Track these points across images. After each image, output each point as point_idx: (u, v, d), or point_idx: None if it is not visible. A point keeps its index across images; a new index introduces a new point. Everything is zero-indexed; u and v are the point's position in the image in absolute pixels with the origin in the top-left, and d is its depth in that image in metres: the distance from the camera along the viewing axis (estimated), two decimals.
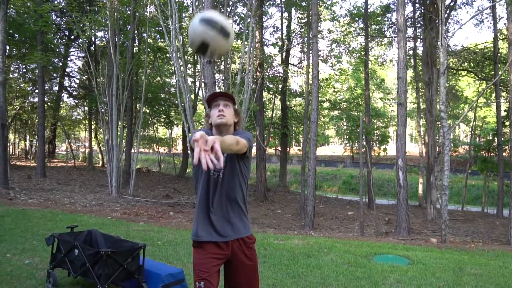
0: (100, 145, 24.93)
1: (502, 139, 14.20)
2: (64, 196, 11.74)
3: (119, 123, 13.58)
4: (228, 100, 2.31)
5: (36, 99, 21.29)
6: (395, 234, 9.28)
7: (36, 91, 18.97)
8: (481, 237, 9.61)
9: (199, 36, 1.85)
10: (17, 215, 7.82)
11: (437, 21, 11.76)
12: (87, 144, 28.29)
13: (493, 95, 16.40)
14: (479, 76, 17.67)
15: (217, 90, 13.97)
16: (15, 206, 9.08)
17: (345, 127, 27.82)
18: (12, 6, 15.23)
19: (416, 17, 16.10)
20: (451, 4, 14.73)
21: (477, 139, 24.86)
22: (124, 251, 3.59)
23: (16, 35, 17.36)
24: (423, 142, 15.87)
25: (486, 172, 16.10)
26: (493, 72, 15.30)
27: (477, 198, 23.32)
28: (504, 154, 14.29)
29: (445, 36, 9.23)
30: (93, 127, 24.80)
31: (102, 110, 13.90)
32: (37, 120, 18.91)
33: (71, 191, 12.93)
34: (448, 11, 14.26)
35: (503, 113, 14.89)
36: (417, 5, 15.93)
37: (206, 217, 2.21)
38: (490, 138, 17.24)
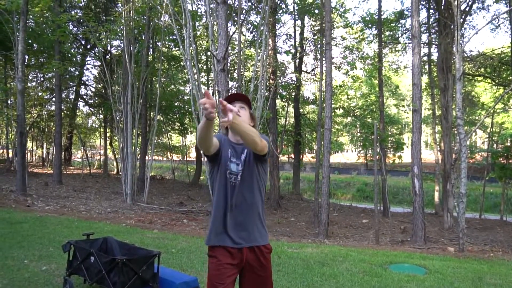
0: (115, 152, 25.22)
1: None
2: (80, 203, 11.88)
3: (134, 131, 13.73)
4: (244, 103, 2.29)
5: (53, 107, 21.70)
6: (411, 243, 9.12)
7: (53, 99, 19.33)
8: (501, 246, 9.37)
9: None
10: (34, 222, 7.94)
11: (452, 26, 11.63)
12: (102, 152, 28.65)
13: (511, 100, 16.12)
14: (496, 82, 17.38)
15: None
16: (32, 213, 9.23)
17: (358, 134, 27.61)
18: (31, 17, 15.63)
19: (430, 22, 15.95)
20: (467, 9, 14.57)
21: (495, 145, 24.38)
22: (139, 258, 3.61)
23: (34, 45, 17.78)
24: (439, 149, 15.63)
25: (505, 179, 15.75)
26: (510, 77, 15.04)
27: (495, 205, 22.79)
28: None
29: (461, 41, 9.12)
30: (108, 135, 25.14)
31: (117, 118, 14.09)
32: (54, 128, 19.24)
33: (87, 198, 13.09)
34: (463, 16, 14.10)
35: None
36: (431, 11, 15.79)
37: (221, 222, 2.15)
38: (509, 144, 16.91)
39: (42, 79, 22.51)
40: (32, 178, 16.39)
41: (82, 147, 25.94)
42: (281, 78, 17.93)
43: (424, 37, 16.05)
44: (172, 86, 21.99)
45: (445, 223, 12.03)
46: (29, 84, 22.14)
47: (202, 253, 5.95)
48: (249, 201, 2.18)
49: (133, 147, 13.54)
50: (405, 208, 17.83)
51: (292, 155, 22.28)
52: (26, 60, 18.43)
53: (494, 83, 18.06)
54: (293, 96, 18.87)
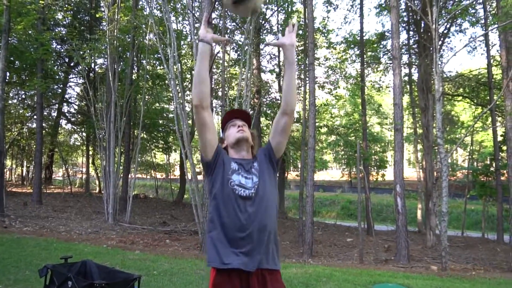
0: (98, 171, 24.84)
1: (500, 163, 14.21)
2: (60, 223, 11.59)
3: (117, 149, 13.58)
4: (245, 121, 2.21)
5: (34, 125, 21.36)
6: (395, 262, 9.15)
7: (35, 117, 19.04)
8: (482, 264, 9.48)
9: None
10: (11, 244, 7.70)
11: (431, 48, 11.98)
12: (84, 170, 28.18)
13: (489, 119, 16.53)
14: (475, 102, 17.87)
15: (216, 116, 14.05)
16: (9, 234, 8.95)
17: (343, 152, 27.87)
18: (14, 34, 15.50)
19: (410, 44, 16.39)
20: (445, 32, 15.05)
21: (475, 163, 24.87)
22: (119, 282, 3.52)
23: (17, 62, 17.57)
24: (421, 167, 15.86)
25: (485, 197, 16.03)
26: (488, 98, 15.48)
27: (476, 223, 23.10)
28: (502, 178, 14.27)
29: (440, 63, 9.41)
30: (90, 152, 24.78)
31: (100, 136, 13.93)
32: (34, 146, 18.89)
33: (67, 218, 12.78)
34: (442, 39, 14.54)
35: (499, 138, 14.98)
36: (411, 33, 16.25)
37: (232, 241, 1.90)
38: (488, 162, 17.30)
39: (24, 96, 22.19)
40: (11, 197, 15.94)
41: (64, 166, 25.46)
42: (266, 97, 18.07)
43: (405, 58, 16.47)
44: (157, 104, 21.92)
45: (428, 241, 12.13)
46: (10, 102, 21.78)
47: (184, 275, 5.84)
48: (266, 221, 1.95)
49: (116, 166, 13.36)
50: (389, 226, 17.93)
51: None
52: (8, 78, 18.18)
53: (472, 103, 18.55)
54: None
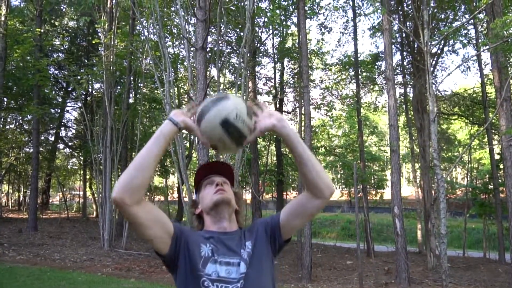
0: (95, 195, 24.67)
1: (499, 181, 14.15)
2: (55, 251, 11.41)
3: (114, 172, 13.50)
4: (226, 177, 1.64)
5: (31, 150, 21.33)
6: (395, 285, 9.00)
7: (32, 142, 19.02)
8: (484, 286, 9.32)
9: (214, 137, 1.41)
10: (3, 274, 7.56)
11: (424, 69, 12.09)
12: (81, 193, 28.00)
13: (486, 137, 16.57)
14: (470, 120, 17.95)
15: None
16: (2, 263, 8.80)
17: (341, 172, 27.80)
18: (12, 61, 15.65)
19: (404, 64, 16.55)
20: (438, 52, 15.23)
21: (474, 181, 24.78)
22: None
23: (14, 87, 17.69)
24: (419, 186, 15.78)
25: (485, 216, 15.91)
26: (483, 116, 15.54)
27: (478, 241, 22.85)
28: (501, 195, 14.19)
29: (434, 82, 9.48)
30: (87, 177, 24.66)
31: (96, 160, 13.88)
32: (31, 171, 18.80)
33: (62, 245, 12.60)
34: (436, 58, 14.70)
35: (496, 156, 14.98)
36: (405, 53, 16.43)
37: None
38: (487, 180, 17.25)
39: (21, 121, 22.23)
40: (6, 224, 15.78)
41: (61, 190, 25.30)
42: None
43: (400, 78, 16.60)
44: (154, 128, 21.95)
45: (429, 263, 11.96)
46: (7, 127, 21.83)
47: None
48: None
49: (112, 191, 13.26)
50: (389, 246, 17.70)
51: (275, 194, 22.16)
52: (5, 103, 18.28)
53: (468, 121, 18.63)
54: (274, 137, 19.01)
